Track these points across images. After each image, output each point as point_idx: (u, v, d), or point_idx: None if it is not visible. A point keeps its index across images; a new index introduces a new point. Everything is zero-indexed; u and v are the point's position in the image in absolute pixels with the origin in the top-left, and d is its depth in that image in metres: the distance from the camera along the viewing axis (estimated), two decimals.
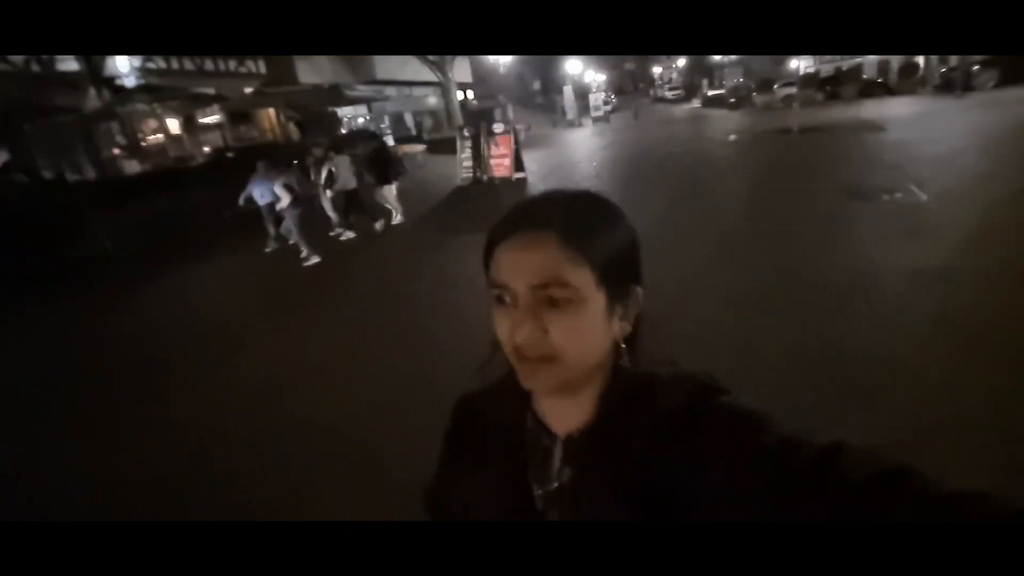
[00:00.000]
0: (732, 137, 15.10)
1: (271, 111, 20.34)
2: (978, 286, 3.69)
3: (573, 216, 0.51)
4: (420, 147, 18.24)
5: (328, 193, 8.69)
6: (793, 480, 0.42)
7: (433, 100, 29.75)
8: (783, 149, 11.68)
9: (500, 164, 11.11)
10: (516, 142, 11.34)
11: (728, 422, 0.48)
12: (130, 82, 15.66)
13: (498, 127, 11.41)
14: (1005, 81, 15.83)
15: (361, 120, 25.83)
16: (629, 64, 73.00)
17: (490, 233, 0.53)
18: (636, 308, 0.55)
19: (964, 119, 11.75)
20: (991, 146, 8.44)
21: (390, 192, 9.13)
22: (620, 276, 0.52)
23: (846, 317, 3.54)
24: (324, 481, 2.71)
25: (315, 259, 7.45)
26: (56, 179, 12.67)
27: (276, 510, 2.49)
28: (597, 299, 0.50)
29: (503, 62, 31.76)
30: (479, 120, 12.42)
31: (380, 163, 9.14)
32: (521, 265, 0.50)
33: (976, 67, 17.29)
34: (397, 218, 9.20)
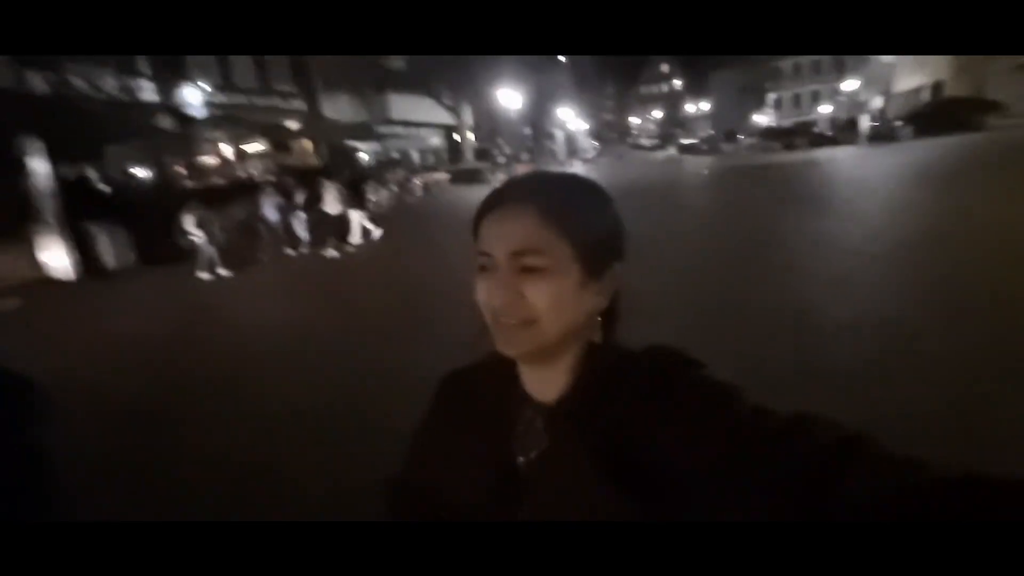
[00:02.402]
0: (704, 171, 18.54)
1: (307, 142, 23.16)
2: (889, 275, 4.90)
3: (554, 194, 0.55)
4: (445, 176, 21.18)
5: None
6: (762, 446, 0.44)
7: (435, 140, 33.20)
8: (745, 179, 14.98)
9: None
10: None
11: (701, 392, 0.51)
12: (197, 112, 18.32)
13: (525, 157, 14.43)
14: (918, 135, 19.75)
15: (370, 154, 28.63)
16: (608, 115, 78.70)
17: (479, 206, 0.57)
18: (613, 285, 0.57)
19: (885, 160, 15.22)
20: (903, 175, 11.71)
21: (357, 217, 10.49)
22: (597, 253, 0.55)
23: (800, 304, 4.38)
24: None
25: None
26: (130, 188, 14.50)
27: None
28: (572, 271, 0.53)
29: (500, 108, 35.40)
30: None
31: (355, 192, 10.59)
32: (501, 233, 0.53)
33: (899, 123, 21.38)
34: (355, 239, 10.40)
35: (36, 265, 9.51)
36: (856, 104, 32.50)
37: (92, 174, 12.13)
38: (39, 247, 9.50)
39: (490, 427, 0.62)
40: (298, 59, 22.51)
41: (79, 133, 10.93)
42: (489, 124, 38.27)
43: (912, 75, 28.39)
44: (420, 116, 29.30)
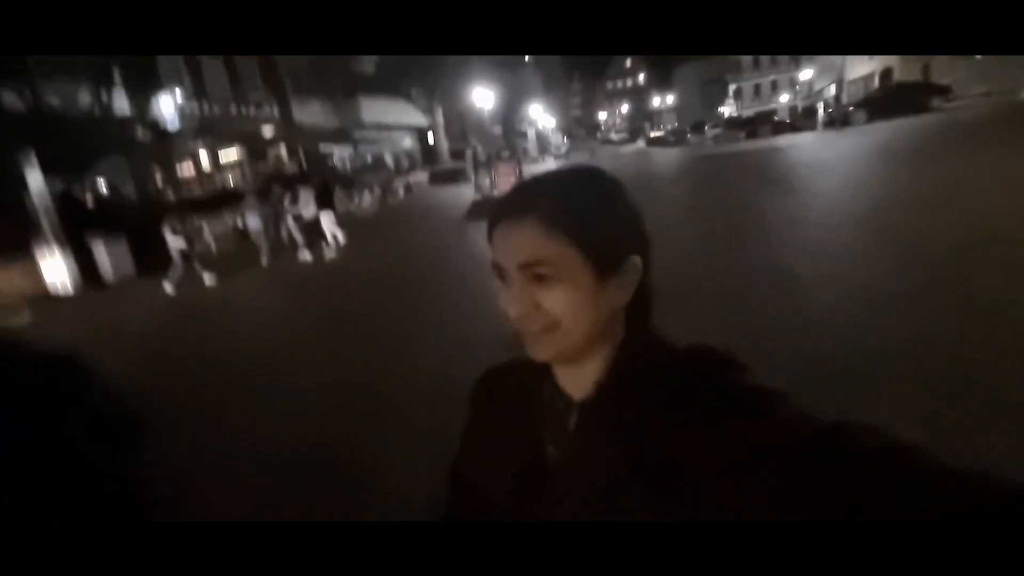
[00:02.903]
0: (673, 160, 19.39)
1: (282, 149, 23.26)
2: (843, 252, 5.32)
3: (556, 197, 0.54)
4: (424, 176, 21.59)
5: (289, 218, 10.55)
6: (798, 455, 0.43)
7: (408, 142, 33.47)
8: (711, 165, 15.84)
9: (507, 182, 14.59)
10: (520, 165, 14.92)
11: (737, 396, 0.49)
12: (172, 124, 18.31)
13: (505, 154, 14.97)
14: (870, 118, 20.97)
15: (343, 157, 28.76)
16: (575, 111, 79.77)
17: (490, 217, 0.57)
18: (635, 277, 0.56)
19: (841, 143, 16.23)
20: (856, 156, 12.61)
21: (329, 217, 10.63)
22: (610, 248, 0.54)
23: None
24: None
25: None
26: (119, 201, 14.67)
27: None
28: (584, 272, 0.53)
29: (471, 108, 35.87)
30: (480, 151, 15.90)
31: (324, 194, 10.67)
32: (508, 246, 0.54)
33: (852, 108, 22.60)
34: (335, 240, 10.61)
35: (39, 280, 9.66)
36: (812, 92, 34.01)
37: (81, 188, 12.23)
38: (41, 262, 9.65)
39: (524, 421, 0.62)
40: (268, 66, 22.62)
41: (65, 148, 11.05)
42: (460, 124, 38.70)
43: (862, 63, 29.93)
44: (391, 119, 29.55)
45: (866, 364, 2.89)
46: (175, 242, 8.99)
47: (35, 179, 9.36)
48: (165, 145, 17.43)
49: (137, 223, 10.53)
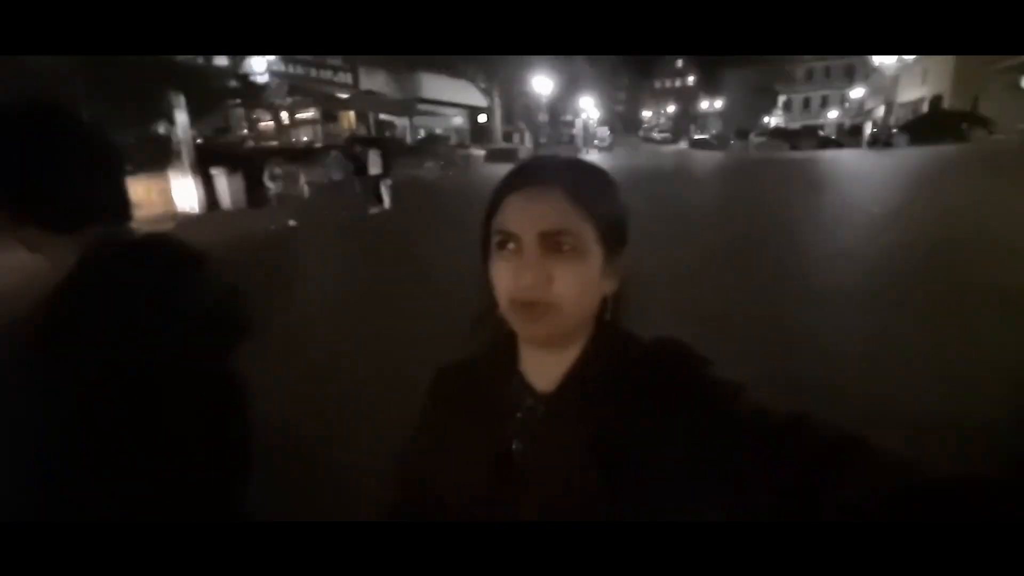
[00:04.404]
0: (714, 162, 20.65)
1: (351, 114, 25.03)
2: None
3: (577, 176, 0.55)
4: (481, 152, 23.19)
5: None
6: (758, 446, 0.44)
7: (459, 120, 35.00)
8: (751, 169, 17.11)
9: None
10: (578, 152, 16.42)
11: (700, 389, 0.51)
12: (262, 79, 20.03)
13: (566, 140, 16.46)
14: (913, 142, 21.81)
15: (404, 127, 30.42)
16: (620, 106, 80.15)
17: (498, 187, 0.57)
18: (622, 269, 0.58)
19: (880, 162, 17.30)
20: (893, 175, 13.79)
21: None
22: (615, 236, 0.56)
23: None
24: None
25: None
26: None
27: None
28: (597, 253, 0.54)
29: (527, 94, 37.14)
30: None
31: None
32: (531, 214, 0.53)
33: (895, 131, 23.45)
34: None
35: (170, 199, 11.52)
36: (862, 111, 34.48)
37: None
38: (175, 184, 11.51)
39: (487, 415, 0.62)
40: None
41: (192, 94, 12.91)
42: (512, 108, 40.01)
43: (914, 87, 30.37)
44: (450, 96, 31.02)
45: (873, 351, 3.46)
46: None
47: (182, 117, 11.15)
48: (255, 98, 19.23)
49: (248, 163, 12.34)
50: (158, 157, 11.11)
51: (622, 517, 0.49)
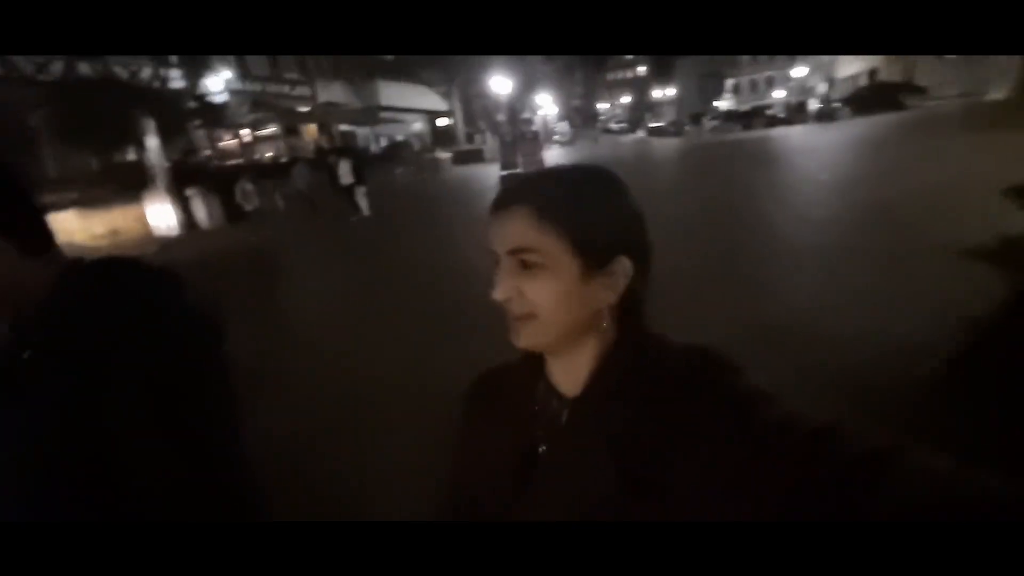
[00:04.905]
0: (672, 148, 21.50)
1: (313, 126, 25.04)
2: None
3: (552, 191, 0.56)
4: (447, 155, 23.51)
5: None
6: (786, 456, 0.43)
7: (419, 125, 35.25)
8: (708, 151, 17.94)
9: (532, 159, 16.54)
10: (540, 144, 16.88)
11: (728, 398, 0.50)
12: (220, 98, 19.94)
13: (529, 134, 16.92)
14: (856, 114, 23.13)
15: (366, 136, 30.57)
16: (576, 101, 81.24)
17: (489, 208, 0.60)
18: (624, 279, 0.57)
19: (826, 134, 18.36)
20: (838, 144, 14.72)
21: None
22: (599, 246, 0.55)
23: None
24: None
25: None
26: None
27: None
28: (571, 266, 0.55)
29: (485, 95, 37.57)
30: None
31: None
32: (500, 233, 0.57)
33: (838, 105, 24.82)
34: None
35: (147, 224, 11.54)
36: (805, 89, 36.07)
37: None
38: (151, 208, 11.53)
39: (516, 418, 0.64)
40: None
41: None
42: (472, 110, 40.36)
43: (851, 63, 32.03)
44: (410, 102, 31.27)
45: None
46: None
47: (153, 142, 11.18)
48: (217, 117, 19.17)
49: (220, 182, 12.45)
50: (133, 182, 11.12)
51: (642, 520, 0.49)
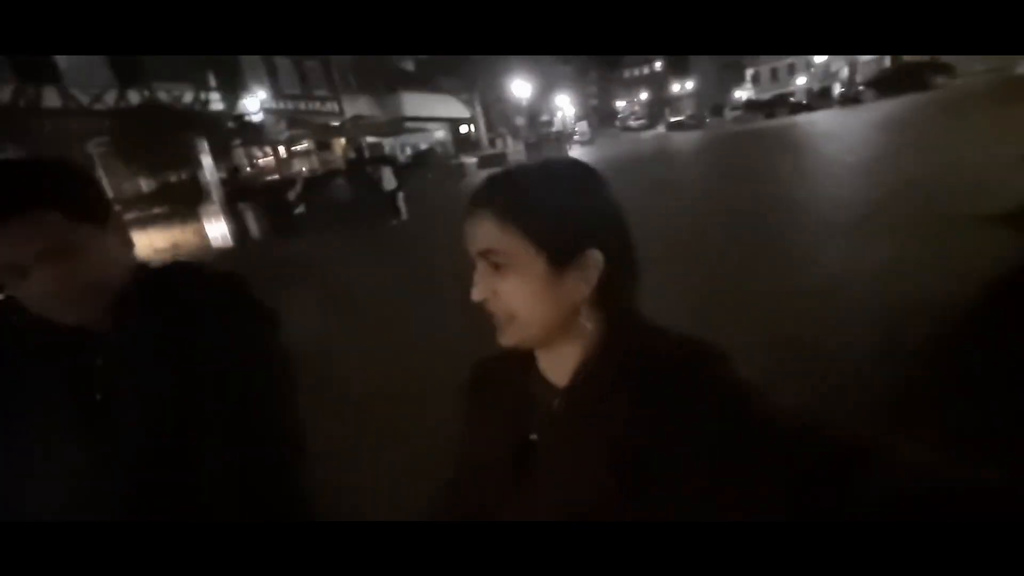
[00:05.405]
0: (693, 141, 21.69)
1: (343, 140, 25.98)
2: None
3: (513, 191, 0.56)
4: (472, 160, 24.22)
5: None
6: (772, 448, 0.44)
7: (442, 133, 36.06)
8: (731, 141, 18.18)
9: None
10: (565, 144, 17.38)
11: (717, 388, 0.51)
12: (257, 118, 20.90)
13: (553, 136, 17.43)
14: (880, 96, 22.94)
15: (393, 146, 31.50)
16: (593, 100, 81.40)
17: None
18: (595, 271, 0.56)
19: (851, 118, 18.33)
20: (864, 127, 14.80)
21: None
22: (565, 242, 0.55)
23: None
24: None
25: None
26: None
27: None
28: (537, 263, 0.55)
29: (506, 100, 38.24)
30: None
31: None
32: (469, 237, 0.58)
33: (863, 87, 24.64)
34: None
35: (203, 236, 12.40)
36: (828, 74, 35.69)
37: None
38: (207, 222, 12.39)
39: (510, 406, 0.65)
40: (327, 63, 25.33)
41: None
42: (493, 115, 41.06)
43: None
44: (433, 111, 32.01)
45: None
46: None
47: (207, 161, 12.03)
48: (257, 135, 20.18)
49: (268, 195, 13.27)
50: (188, 199, 12.01)
51: (633, 513, 0.50)
